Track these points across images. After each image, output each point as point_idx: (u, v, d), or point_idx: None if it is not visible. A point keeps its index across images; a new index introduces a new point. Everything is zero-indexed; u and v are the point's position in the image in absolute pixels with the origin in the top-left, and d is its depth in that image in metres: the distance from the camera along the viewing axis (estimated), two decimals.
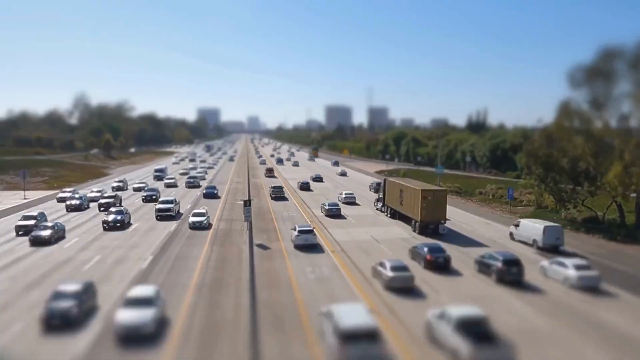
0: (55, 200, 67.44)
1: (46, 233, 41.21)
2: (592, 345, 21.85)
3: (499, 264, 30.75)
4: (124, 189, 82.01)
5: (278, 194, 69.61)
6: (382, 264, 30.37)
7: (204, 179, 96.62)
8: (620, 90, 45.94)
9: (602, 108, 46.94)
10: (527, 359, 20.22)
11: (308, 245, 38.94)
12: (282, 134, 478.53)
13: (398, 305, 26.55)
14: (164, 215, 52.36)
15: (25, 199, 69.39)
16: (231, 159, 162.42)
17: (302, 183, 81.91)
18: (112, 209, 51.11)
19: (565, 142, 48.61)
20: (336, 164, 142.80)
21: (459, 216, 56.08)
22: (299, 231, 39.46)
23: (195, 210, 50.35)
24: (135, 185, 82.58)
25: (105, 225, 46.90)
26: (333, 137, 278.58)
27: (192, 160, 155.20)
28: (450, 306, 21.89)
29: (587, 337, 22.70)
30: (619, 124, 47.25)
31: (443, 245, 37.05)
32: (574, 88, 47.76)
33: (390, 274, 28.93)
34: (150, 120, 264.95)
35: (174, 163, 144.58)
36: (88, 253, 38.04)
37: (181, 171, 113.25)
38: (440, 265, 33.38)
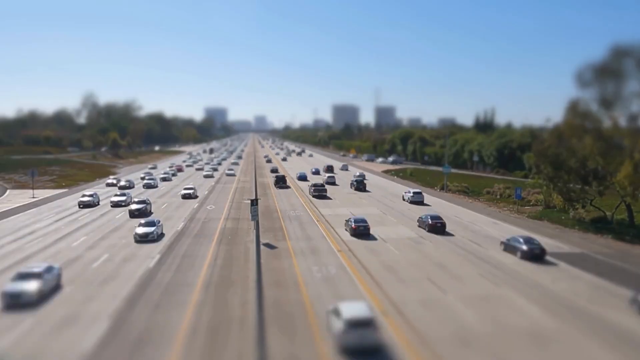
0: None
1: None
2: (599, 343, 21.71)
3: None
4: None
5: None
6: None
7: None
8: (630, 89, 45.53)
9: (612, 107, 46.53)
10: None
11: None
12: (289, 133, 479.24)
13: None
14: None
15: (33, 197, 69.85)
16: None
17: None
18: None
19: (574, 141, 48.27)
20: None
21: (466, 216, 55.87)
22: None
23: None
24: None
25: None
26: (340, 136, 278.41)
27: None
28: None
29: (598, 338, 22.56)
30: (628, 124, 46.81)
31: None
32: (583, 87, 47.41)
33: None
34: (158, 120, 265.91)
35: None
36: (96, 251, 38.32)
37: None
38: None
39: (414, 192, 67.60)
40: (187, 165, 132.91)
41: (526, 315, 25.21)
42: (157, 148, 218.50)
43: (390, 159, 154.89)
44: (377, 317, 23.19)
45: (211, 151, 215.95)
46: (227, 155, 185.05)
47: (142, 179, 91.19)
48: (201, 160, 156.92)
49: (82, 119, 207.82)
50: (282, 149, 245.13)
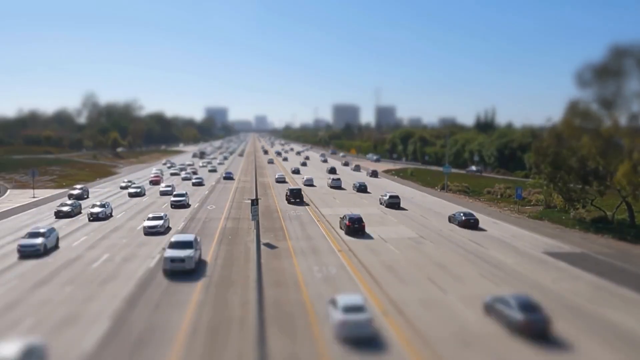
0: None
1: None
2: (599, 343, 21.69)
3: None
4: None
5: None
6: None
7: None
8: (630, 88, 45.50)
9: (611, 107, 46.50)
10: None
11: None
12: (289, 133, 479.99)
13: None
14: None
15: (34, 197, 69.84)
16: None
17: None
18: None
19: (574, 141, 48.24)
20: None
21: None
22: None
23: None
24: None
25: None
26: (340, 136, 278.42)
27: None
28: None
29: (598, 338, 22.54)
30: (628, 123, 46.75)
31: None
32: (583, 87, 47.44)
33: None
34: (158, 120, 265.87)
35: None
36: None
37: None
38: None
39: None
40: (173, 173, 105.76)
41: None
42: (143, 149, 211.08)
43: (374, 157, 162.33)
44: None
45: (202, 155, 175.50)
46: (221, 161, 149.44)
47: (59, 206, 55.77)
48: (188, 166, 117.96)
49: (82, 119, 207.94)
50: (273, 142, 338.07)
